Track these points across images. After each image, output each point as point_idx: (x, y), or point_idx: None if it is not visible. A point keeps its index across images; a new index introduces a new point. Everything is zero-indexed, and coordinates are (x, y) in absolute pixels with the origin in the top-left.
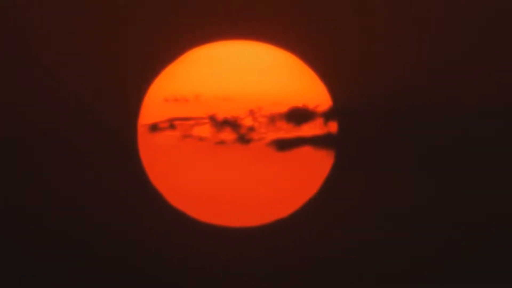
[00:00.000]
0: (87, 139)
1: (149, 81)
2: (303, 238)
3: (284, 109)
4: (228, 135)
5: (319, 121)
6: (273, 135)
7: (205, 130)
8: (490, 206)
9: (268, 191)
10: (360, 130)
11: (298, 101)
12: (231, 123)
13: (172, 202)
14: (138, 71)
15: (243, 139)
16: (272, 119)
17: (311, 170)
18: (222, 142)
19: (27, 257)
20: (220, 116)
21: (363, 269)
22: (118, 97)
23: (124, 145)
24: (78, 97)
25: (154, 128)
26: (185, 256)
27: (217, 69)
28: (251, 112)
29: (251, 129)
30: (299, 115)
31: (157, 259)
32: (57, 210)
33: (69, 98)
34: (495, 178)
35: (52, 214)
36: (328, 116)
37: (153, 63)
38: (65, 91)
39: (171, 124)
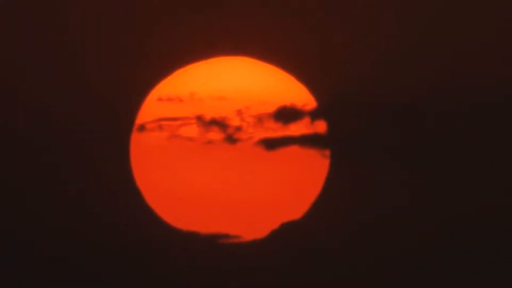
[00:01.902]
0: (83, 138)
1: (149, 87)
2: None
3: (272, 108)
4: (215, 134)
5: (307, 120)
6: (262, 134)
7: (193, 130)
8: (488, 200)
9: (266, 194)
10: (347, 128)
11: (286, 101)
12: (219, 123)
13: (151, 204)
14: (138, 77)
15: (231, 139)
16: (260, 119)
17: (308, 171)
18: (210, 142)
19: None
20: (212, 115)
21: (366, 266)
22: (117, 99)
23: (116, 145)
24: (79, 98)
25: (142, 128)
26: (155, 261)
27: (210, 70)
28: (239, 112)
29: (239, 128)
30: (287, 114)
31: (125, 259)
32: (38, 201)
33: (70, 97)
34: (491, 175)
35: (32, 205)
36: (315, 115)
37: (154, 73)
38: (68, 89)
39: (159, 124)
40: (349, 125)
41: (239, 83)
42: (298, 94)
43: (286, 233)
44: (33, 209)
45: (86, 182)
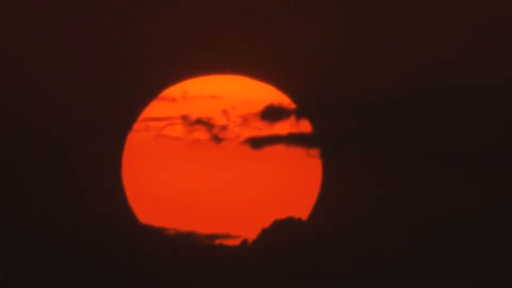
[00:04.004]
0: (82, 136)
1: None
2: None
3: (258, 108)
4: (201, 134)
5: (292, 119)
6: (249, 133)
7: (179, 130)
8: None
9: (255, 193)
10: (333, 126)
11: (272, 101)
12: (205, 123)
13: (135, 203)
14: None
15: (217, 138)
16: (246, 118)
17: (295, 169)
18: (196, 141)
19: None
20: (197, 115)
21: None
22: (119, 102)
23: (110, 144)
24: (83, 98)
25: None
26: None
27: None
28: (225, 112)
29: (224, 127)
30: (272, 114)
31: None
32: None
33: (73, 97)
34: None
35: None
36: (299, 114)
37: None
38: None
39: (146, 124)
40: (332, 124)
41: (230, 84)
42: (281, 97)
43: (279, 231)
44: (17, 197)
45: (78, 180)
